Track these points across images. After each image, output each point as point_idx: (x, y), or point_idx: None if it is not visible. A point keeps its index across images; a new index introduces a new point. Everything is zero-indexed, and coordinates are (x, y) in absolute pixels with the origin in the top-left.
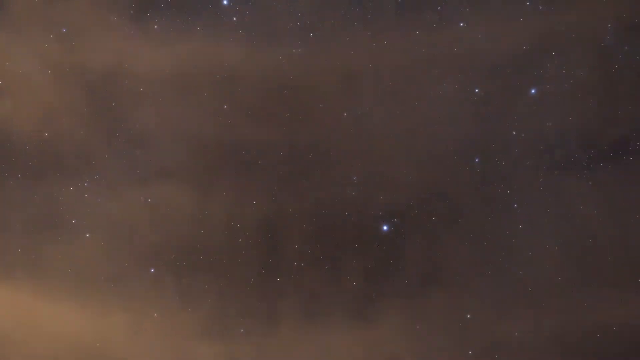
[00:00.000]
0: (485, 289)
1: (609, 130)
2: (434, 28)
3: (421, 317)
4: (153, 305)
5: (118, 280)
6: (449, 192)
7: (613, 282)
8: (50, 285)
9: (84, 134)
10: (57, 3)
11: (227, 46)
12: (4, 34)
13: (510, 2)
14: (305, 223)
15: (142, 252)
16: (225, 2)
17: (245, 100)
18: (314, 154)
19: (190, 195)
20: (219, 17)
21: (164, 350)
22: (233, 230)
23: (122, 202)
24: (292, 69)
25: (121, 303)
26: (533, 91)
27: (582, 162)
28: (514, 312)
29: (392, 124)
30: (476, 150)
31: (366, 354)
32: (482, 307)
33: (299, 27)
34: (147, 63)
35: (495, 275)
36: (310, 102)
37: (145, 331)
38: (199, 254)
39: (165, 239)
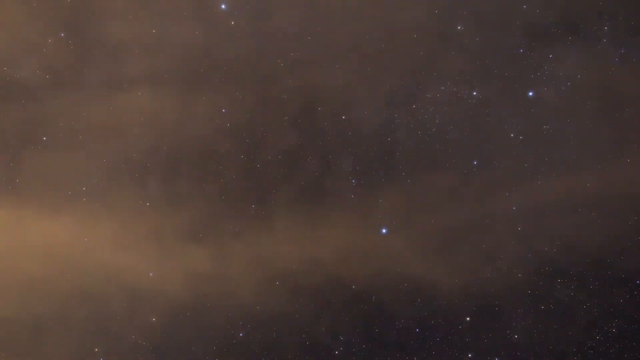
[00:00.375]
0: (472, 173)
1: None
2: (432, 31)
3: (413, 203)
4: (140, 211)
5: (102, 189)
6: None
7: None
8: (35, 199)
9: (64, 45)
10: None
11: None
12: None
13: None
14: (292, 118)
15: (126, 159)
16: None
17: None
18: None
19: (174, 100)
20: None
21: (154, 255)
22: (218, 133)
23: (104, 110)
24: None
25: (107, 211)
26: (531, 94)
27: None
28: (499, 188)
29: (390, 127)
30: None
31: (361, 243)
32: (470, 189)
33: None
34: None
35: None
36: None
37: (134, 238)
38: (184, 158)
39: (150, 144)
